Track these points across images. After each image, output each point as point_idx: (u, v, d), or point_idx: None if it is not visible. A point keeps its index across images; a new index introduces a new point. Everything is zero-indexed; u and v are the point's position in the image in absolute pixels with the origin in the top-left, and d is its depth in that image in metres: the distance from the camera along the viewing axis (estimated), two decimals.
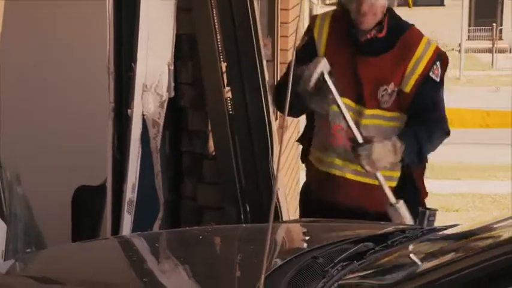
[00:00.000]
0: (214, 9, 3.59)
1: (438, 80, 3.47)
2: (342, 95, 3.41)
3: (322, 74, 3.28)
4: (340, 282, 2.18)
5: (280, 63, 5.80)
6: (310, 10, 40.10)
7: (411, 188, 3.51)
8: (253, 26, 3.63)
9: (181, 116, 3.81)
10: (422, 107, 3.45)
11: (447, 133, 3.51)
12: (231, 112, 3.67)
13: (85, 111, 4.39)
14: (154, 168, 3.57)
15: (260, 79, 3.67)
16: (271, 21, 5.69)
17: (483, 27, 32.04)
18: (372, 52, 3.47)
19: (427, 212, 2.89)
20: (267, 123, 3.69)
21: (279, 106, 3.72)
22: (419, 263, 2.18)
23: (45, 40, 4.56)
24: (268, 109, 3.71)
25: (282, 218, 3.71)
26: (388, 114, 3.47)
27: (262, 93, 3.67)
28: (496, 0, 33.75)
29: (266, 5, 5.52)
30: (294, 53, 3.48)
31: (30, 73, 4.52)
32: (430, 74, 3.44)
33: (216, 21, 3.60)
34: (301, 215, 3.74)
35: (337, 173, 3.52)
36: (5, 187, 3.48)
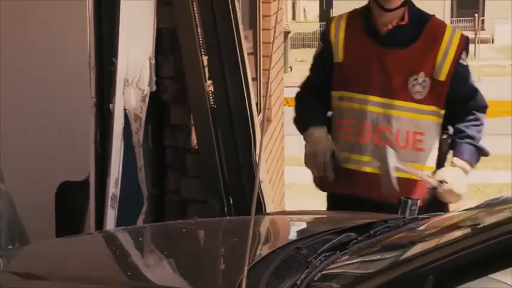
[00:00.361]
0: (194, 3, 3.58)
1: (466, 63, 3.51)
2: (366, 92, 3.46)
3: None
4: (323, 272, 2.20)
5: (263, 55, 5.80)
6: (293, 3, 40.12)
7: None
8: (233, 19, 3.63)
9: (164, 110, 3.81)
10: (463, 94, 3.50)
11: (487, 107, 3.58)
12: (213, 105, 3.67)
13: (67, 107, 4.38)
14: (137, 163, 3.57)
15: (242, 72, 3.68)
16: (253, 14, 5.70)
17: (465, 18, 32.15)
18: (396, 44, 3.48)
19: (409, 201, 2.90)
20: (249, 116, 3.69)
21: (299, 126, 3.68)
22: (401, 251, 2.19)
23: (25, 35, 4.55)
24: (251, 102, 3.71)
25: (265, 210, 3.72)
26: (423, 107, 3.47)
27: (244, 86, 3.68)
28: None
29: None
30: (312, 59, 3.67)
31: (10, 69, 4.50)
32: (461, 60, 3.47)
33: (196, 14, 3.60)
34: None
35: (367, 169, 3.51)
36: None
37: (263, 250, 2.65)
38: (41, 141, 4.49)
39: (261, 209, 3.66)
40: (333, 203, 3.70)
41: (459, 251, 1.89)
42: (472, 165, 3.52)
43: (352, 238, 2.48)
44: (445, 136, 3.55)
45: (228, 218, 3.54)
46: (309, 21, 36.97)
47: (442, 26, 3.53)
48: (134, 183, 3.59)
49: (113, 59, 3.43)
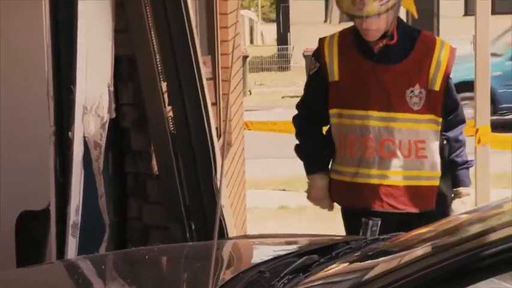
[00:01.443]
0: (152, 29, 3.60)
1: (450, 76, 3.67)
2: (367, 107, 3.57)
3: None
4: None
5: (222, 80, 5.82)
6: (251, 27, 40.31)
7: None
8: (191, 44, 3.65)
9: (124, 136, 3.80)
10: (453, 104, 3.68)
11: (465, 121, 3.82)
12: (173, 131, 3.67)
13: (26, 135, 4.35)
14: (98, 190, 3.55)
15: (201, 97, 3.69)
16: (211, 39, 5.71)
17: None
18: (389, 60, 3.61)
19: (370, 222, 2.92)
20: (209, 140, 3.70)
21: (304, 165, 3.86)
22: (362, 273, 2.21)
23: None
24: (210, 127, 3.72)
25: (227, 234, 3.72)
26: (421, 117, 3.62)
27: (204, 111, 3.69)
28: None
29: (205, 23, 5.55)
30: (307, 78, 3.78)
31: None
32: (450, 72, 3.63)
33: (154, 41, 3.61)
34: (347, 233, 3.76)
35: (375, 181, 3.63)
36: None
37: (226, 275, 2.65)
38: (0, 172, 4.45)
39: (223, 234, 3.66)
40: (348, 218, 3.79)
41: (416, 271, 1.91)
42: (471, 183, 3.81)
43: (315, 260, 2.50)
44: (445, 142, 3.71)
45: (190, 243, 3.54)
46: (267, 45, 37.16)
47: (432, 39, 3.70)
48: (95, 210, 3.57)
49: (71, 86, 3.42)
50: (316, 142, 3.79)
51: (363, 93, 3.59)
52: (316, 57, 3.75)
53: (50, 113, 3.51)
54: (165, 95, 3.67)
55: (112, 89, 3.60)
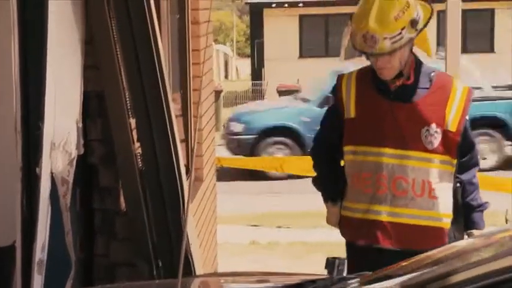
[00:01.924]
0: (121, 66, 3.60)
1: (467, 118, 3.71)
2: (381, 145, 3.60)
3: None
4: None
5: (194, 116, 5.82)
6: (226, 62, 40.44)
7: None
8: (161, 81, 3.65)
9: (92, 172, 3.78)
10: (469, 146, 3.71)
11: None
12: (141, 167, 3.66)
13: None
14: (65, 227, 3.52)
15: (170, 134, 3.69)
16: (183, 74, 5.73)
17: None
18: (406, 99, 3.63)
19: (337, 261, 2.92)
20: (177, 177, 3.69)
21: (322, 194, 3.93)
22: None
23: None
24: (179, 163, 3.72)
25: (195, 272, 3.70)
26: (435, 156, 3.62)
27: (172, 147, 3.69)
28: None
29: (177, 59, 5.56)
30: (325, 112, 3.86)
31: None
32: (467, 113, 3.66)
33: (123, 77, 3.61)
34: (352, 268, 3.75)
35: (386, 219, 3.64)
36: None
37: None
38: None
39: (190, 271, 3.64)
40: (351, 253, 3.79)
41: None
42: (484, 226, 3.79)
43: None
44: (458, 185, 3.72)
45: (157, 281, 3.51)
46: (242, 80, 37.28)
47: (448, 79, 3.77)
48: (61, 247, 3.54)
49: (39, 123, 3.41)
50: (332, 173, 3.84)
51: (378, 131, 3.62)
52: (333, 94, 3.81)
53: (17, 148, 3.49)
54: (134, 131, 3.67)
55: (81, 125, 3.59)
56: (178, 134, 3.92)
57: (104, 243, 3.81)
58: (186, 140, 5.38)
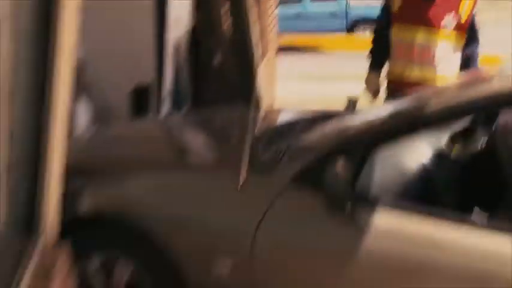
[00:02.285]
0: None
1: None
2: (420, 24, 4.71)
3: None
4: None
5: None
6: None
7: None
8: None
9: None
10: (475, 30, 4.81)
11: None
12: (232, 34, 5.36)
13: None
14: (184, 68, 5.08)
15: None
16: None
17: None
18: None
19: (351, 100, 3.86)
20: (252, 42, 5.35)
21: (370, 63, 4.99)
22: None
23: None
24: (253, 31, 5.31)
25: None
26: (451, 36, 4.72)
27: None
28: None
29: None
30: (382, 4, 5.02)
31: None
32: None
33: None
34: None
35: (416, 80, 4.69)
36: None
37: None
38: None
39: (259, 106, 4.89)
40: (389, 95, 4.89)
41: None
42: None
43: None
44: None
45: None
46: None
47: None
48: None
49: None
50: (382, 49, 4.86)
51: (416, 14, 4.70)
52: None
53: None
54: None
55: None
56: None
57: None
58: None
